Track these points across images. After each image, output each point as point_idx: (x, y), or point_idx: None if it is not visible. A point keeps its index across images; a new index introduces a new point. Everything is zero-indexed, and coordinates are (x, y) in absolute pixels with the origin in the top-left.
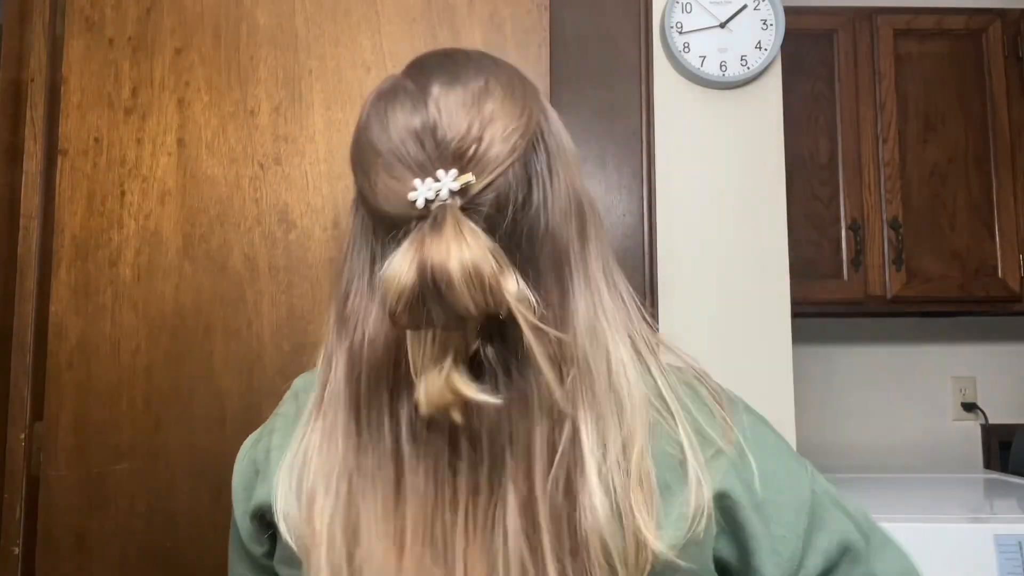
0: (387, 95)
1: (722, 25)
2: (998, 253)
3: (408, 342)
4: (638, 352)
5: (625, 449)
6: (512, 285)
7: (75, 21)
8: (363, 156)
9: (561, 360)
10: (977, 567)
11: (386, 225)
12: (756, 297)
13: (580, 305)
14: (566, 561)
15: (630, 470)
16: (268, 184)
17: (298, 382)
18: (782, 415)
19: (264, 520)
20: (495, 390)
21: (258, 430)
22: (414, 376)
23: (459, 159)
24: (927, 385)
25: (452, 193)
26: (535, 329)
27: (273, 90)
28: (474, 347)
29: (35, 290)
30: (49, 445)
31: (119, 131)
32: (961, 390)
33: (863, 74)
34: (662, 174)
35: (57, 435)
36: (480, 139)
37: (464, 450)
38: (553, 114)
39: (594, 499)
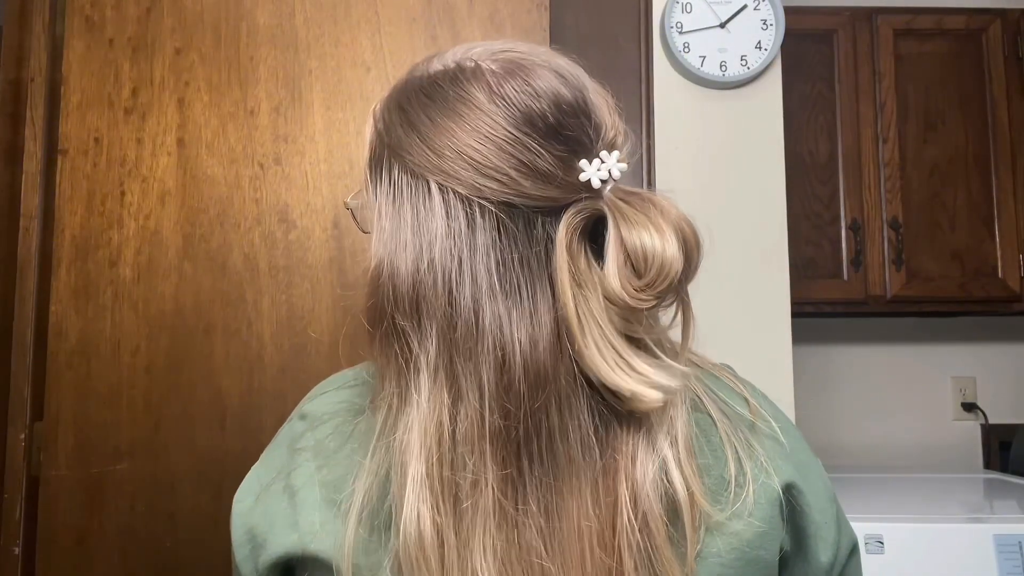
0: (516, 71)
1: (722, 25)
2: (998, 253)
3: (584, 338)
4: None
5: (671, 417)
6: None
7: (75, 21)
8: (511, 137)
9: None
10: (977, 567)
11: (521, 217)
12: (756, 297)
13: None
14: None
15: (677, 436)
16: (268, 184)
17: (311, 407)
18: None
19: (287, 569)
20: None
21: (257, 474)
22: (606, 371)
23: (613, 145)
24: (927, 385)
25: (621, 174)
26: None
27: (273, 90)
28: (658, 328)
29: (35, 290)
30: (49, 445)
31: (119, 131)
32: (961, 390)
33: (863, 74)
34: (662, 174)
35: (57, 435)
36: (616, 127)
37: (618, 443)
38: None
39: (675, 474)
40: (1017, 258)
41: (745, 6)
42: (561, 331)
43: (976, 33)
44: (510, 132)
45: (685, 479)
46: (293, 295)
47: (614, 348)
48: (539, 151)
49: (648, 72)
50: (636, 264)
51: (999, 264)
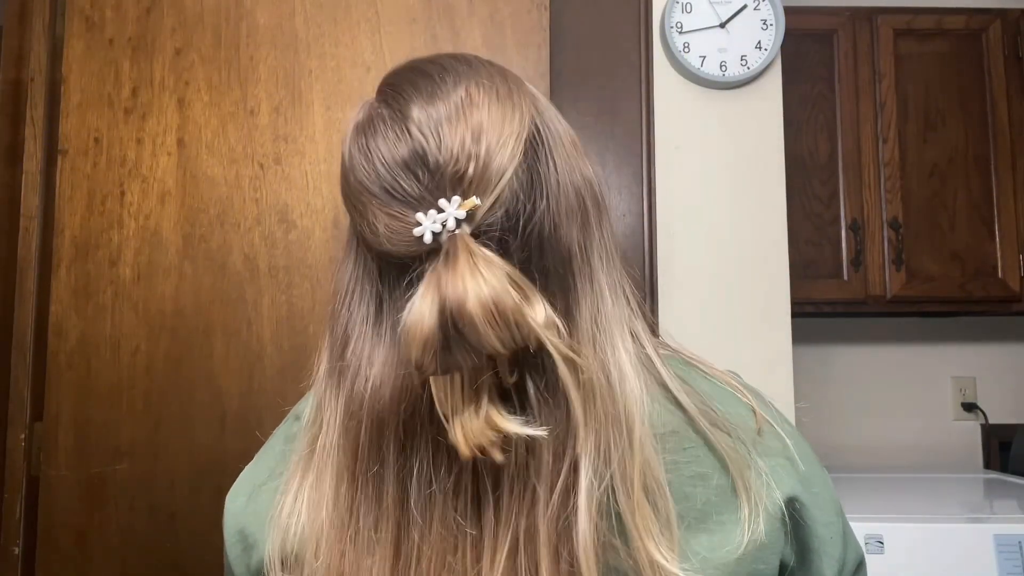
0: (365, 128)
1: (722, 25)
2: (998, 253)
3: (433, 385)
4: (641, 347)
5: (625, 466)
6: (540, 313)
7: (75, 21)
8: (356, 197)
9: (581, 382)
10: (977, 567)
11: (395, 267)
12: (756, 297)
13: (584, 312)
14: None
15: (632, 488)
16: (268, 184)
17: (305, 408)
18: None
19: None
20: (536, 421)
21: (250, 474)
22: (444, 419)
23: (459, 183)
24: (927, 385)
25: (459, 221)
26: (568, 360)
27: (273, 90)
28: (509, 379)
29: (35, 290)
30: (49, 445)
31: (119, 131)
32: (961, 390)
33: (863, 74)
34: (662, 174)
35: (57, 435)
36: (476, 155)
37: (484, 493)
38: (544, 101)
39: (583, 526)
40: (1017, 258)
41: (745, 6)
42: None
43: (976, 33)
44: (350, 192)
45: (615, 513)
46: (293, 295)
47: (462, 399)
48: (374, 211)
49: (648, 72)
50: None
51: (999, 264)
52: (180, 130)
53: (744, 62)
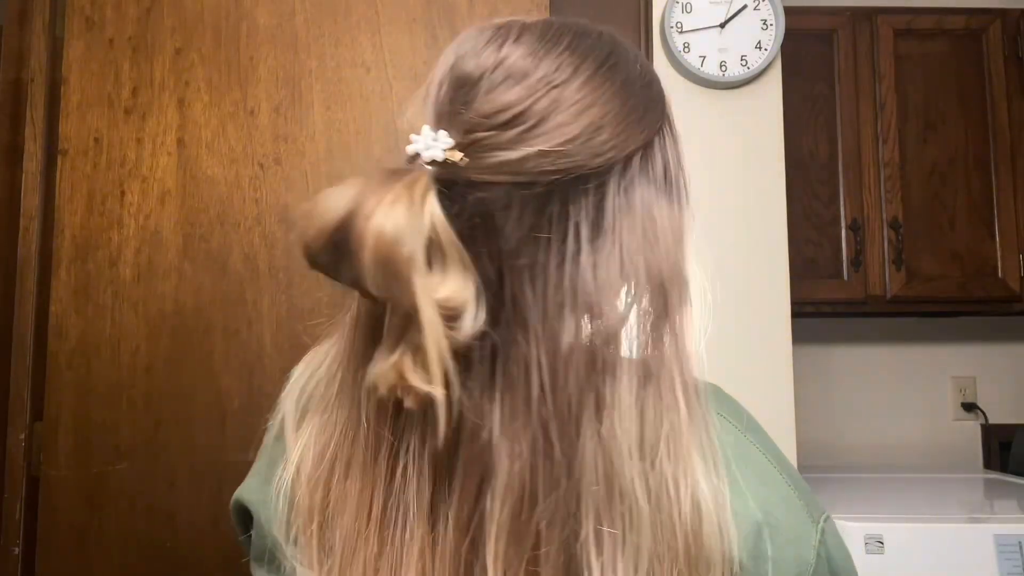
0: (483, 26)
1: (722, 25)
2: (998, 253)
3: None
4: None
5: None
6: (442, 289)
7: (75, 21)
8: None
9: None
10: (977, 567)
11: None
12: (756, 297)
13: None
14: None
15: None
16: (268, 184)
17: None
18: (782, 415)
19: (245, 516)
20: (464, 386)
21: (256, 468)
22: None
23: (467, 130)
24: (927, 385)
25: (435, 161)
26: (435, 337)
27: (273, 90)
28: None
29: (35, 290)
30: (49, 445)
31: (119, 131)
32: (961, 390)
33: (863, 74)
34: None
35: (57, 435)
36: (501, 126)
37: (426, 445)
38: (670, 154)
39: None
40: (1017, 258)
41: (745, 6)
42: None
43: (976, 33)
44: None
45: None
46: (293, 295)
47: (394, 328)
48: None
49: None
50: None
51: (999, 264)
52: (180, 130)
53: (744, 62)
